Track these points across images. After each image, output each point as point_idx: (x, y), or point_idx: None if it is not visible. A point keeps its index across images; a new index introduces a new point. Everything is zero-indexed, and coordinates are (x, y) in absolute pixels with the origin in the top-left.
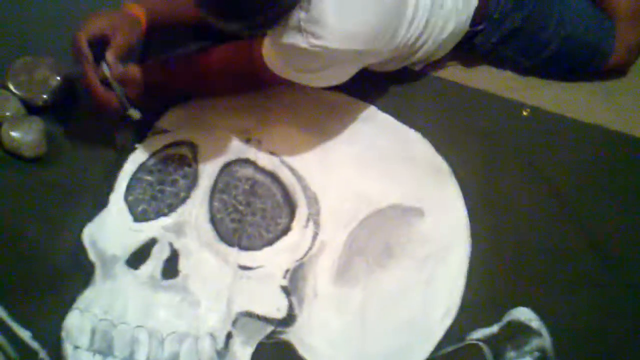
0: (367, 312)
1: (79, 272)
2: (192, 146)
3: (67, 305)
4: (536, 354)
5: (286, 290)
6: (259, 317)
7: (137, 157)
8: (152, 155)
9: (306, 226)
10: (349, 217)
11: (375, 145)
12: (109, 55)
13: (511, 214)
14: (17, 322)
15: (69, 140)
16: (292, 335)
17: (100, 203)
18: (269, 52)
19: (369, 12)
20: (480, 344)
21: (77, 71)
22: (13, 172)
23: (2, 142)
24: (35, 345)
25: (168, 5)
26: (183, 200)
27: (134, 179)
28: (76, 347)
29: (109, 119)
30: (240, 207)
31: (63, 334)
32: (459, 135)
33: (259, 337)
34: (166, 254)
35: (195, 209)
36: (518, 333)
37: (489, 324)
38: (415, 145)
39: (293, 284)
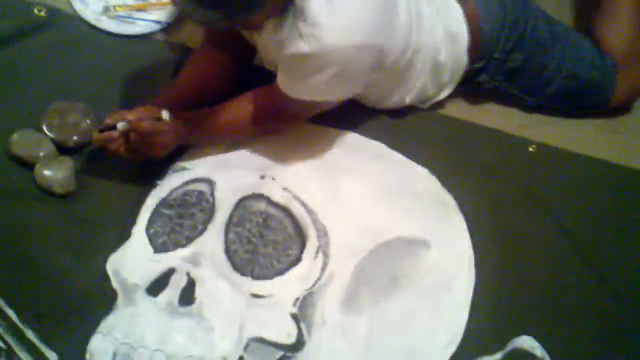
0: (373, 339)
1: (102, 298)
2: (210, 183)
3: (91, 329)
4: None
5: (296, 318)
6: (270, 343)
7: (158, 192)
8: (173, 191)
9: (316, 257)
10: (356, 248)
11: (384, 181)
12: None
13: (516, 246)
14: (45, 345)
15: (96, 178)
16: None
17: (123, 235)
18: (282, 77)
19: (359, 5)
20: None
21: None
22: (45, 207)
23: (35, 180)
24: None
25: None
26: (200, 233)
27: (155, 213)
28: None
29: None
30: (254, 239)
31: (87, 355)
32: (465, 170)
33: None
34: (183, 282)
35: (211, 241)
36: None
37: (492, 352)
38: (422, 181)
39: (302, 311)
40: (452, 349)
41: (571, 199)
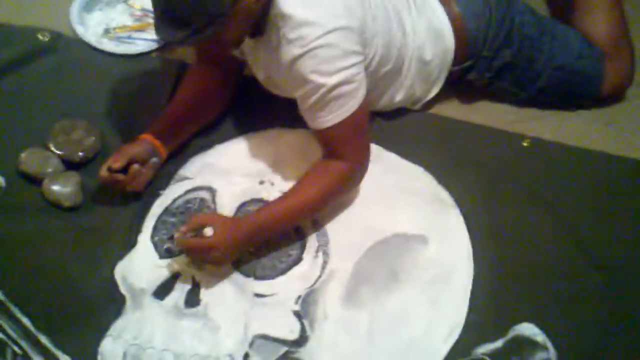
0: (375, 331)
1: (111, 303)
2: (211, 190)
3: (101, 332)
4: None
5: (298, 314)
6: (274, 339)
7: (162, 201)
8: (175, 199)
9: (316, 256)
10: (356, 246)
11: (381, 181)
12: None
13: (513, 237)
14: (59, 349)
15: (102, 190)
16: (304, 354)
17: (129, 243)
18: (309, 116)
19: None
20: (486, 358)
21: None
22: (54, 219)
23: (44, 195)
24: None
25: (175, 127)
26: None
27: (160, 222)
28: None
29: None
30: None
31: (99, 357)
32: (460, 167)
33: (274, 357)
34: (188, 285)
35: None
36: (523, 347)
37: (494, 339)
38: (418, 179)
39: (305, 308)
40: (454, 338)
41: (566, 189)
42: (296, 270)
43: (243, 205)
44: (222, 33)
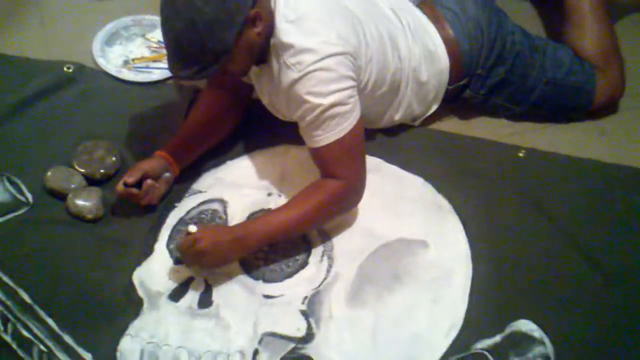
0: (378, 328)
1: (130, 305)
2: (223, 202)
3: (121, 332)
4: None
5: (305, 314)
6: (282, 336)
7: (177, 213)
8: (189, 211)
9: (321, 260)
10: (359, 250)
11: (382, 190)
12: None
13: (510, 239)
14: (81, 347)
15: (121, 203)
16: (311, 350)
17: (146, 251)
18: (307, 134)
19: (325, 26)
20: (485, 352)
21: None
22: (78, 231)
23: (68, 208)
24: None
25: (187, 145)
26: None
27: (175, 231)
28: None
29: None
30: (264, 248)
31: (118, 354)
32: (458, 177)
33: (282, 353)
34: (201, 288)
35: None
36: (521, 342)
37: (492, 335)
38: (418, 188)
39: (311, 308)
40: (453, 335)
41: (561, 195)
42: (302, 273)
43: (252, 215)
44: (227, 66)
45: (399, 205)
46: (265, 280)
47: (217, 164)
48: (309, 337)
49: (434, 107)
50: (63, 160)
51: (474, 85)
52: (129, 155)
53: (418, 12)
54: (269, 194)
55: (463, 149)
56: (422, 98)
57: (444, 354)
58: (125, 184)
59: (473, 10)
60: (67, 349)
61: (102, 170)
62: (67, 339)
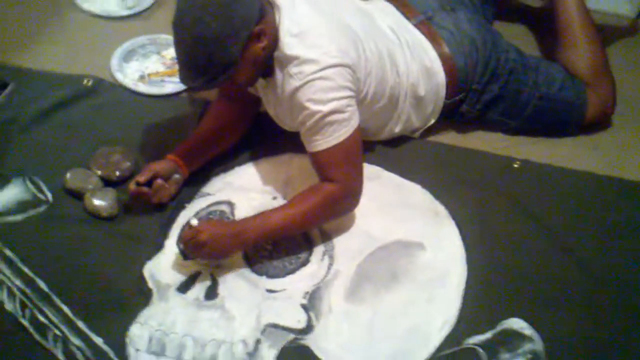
0: (375, 323)
1: (140, 296)
2: (230, 204)
3: (131, 319)
4: (529, 356)
5: (305, 307)
6: (283, 328)
7: (186, 213)
8: (198, 212)
9: (322, 259)
10: (359, 251)
11: (381, 196)
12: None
13: (503, 244)
14: (93, 332)
15: (134, 203)
16: (310, 341)
17: (157, 247)
18: (306, 139)
19: (327, 37)
20: (476, 347)
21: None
22: (94, 227)
23: (85, 207)
24: (106, 348)
25: (197, 150)
26: None
27: (184, 229)
28: (137, 350)
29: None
30: (268, 247)
31: (127, 339)
32: (455, 186)
33: (283, 342)
34: (208, 282)
35: None
36: (511, 338)
37: (483, 331)
38: (415, 194)
39: (311, 302)
40: (446, 330)
41: (554, 204)
42: (304, 270)
43: None
44: (234, 77)
45: (398, 210)
46: (269, 276)
47: (225, 170)
48: (308, 329)
49: (433, 120)
50: (81, 163)
51: (470, 101)
52: (143, 161)
53: (416, 31)
54: (274, 198)
55: (460, 159)
56: (421, 111)
57: (437, 348)
58: (137, 183)
59: (468, 30)
60: (80, 334)
61: (117, 173)
62: (81, 324)
